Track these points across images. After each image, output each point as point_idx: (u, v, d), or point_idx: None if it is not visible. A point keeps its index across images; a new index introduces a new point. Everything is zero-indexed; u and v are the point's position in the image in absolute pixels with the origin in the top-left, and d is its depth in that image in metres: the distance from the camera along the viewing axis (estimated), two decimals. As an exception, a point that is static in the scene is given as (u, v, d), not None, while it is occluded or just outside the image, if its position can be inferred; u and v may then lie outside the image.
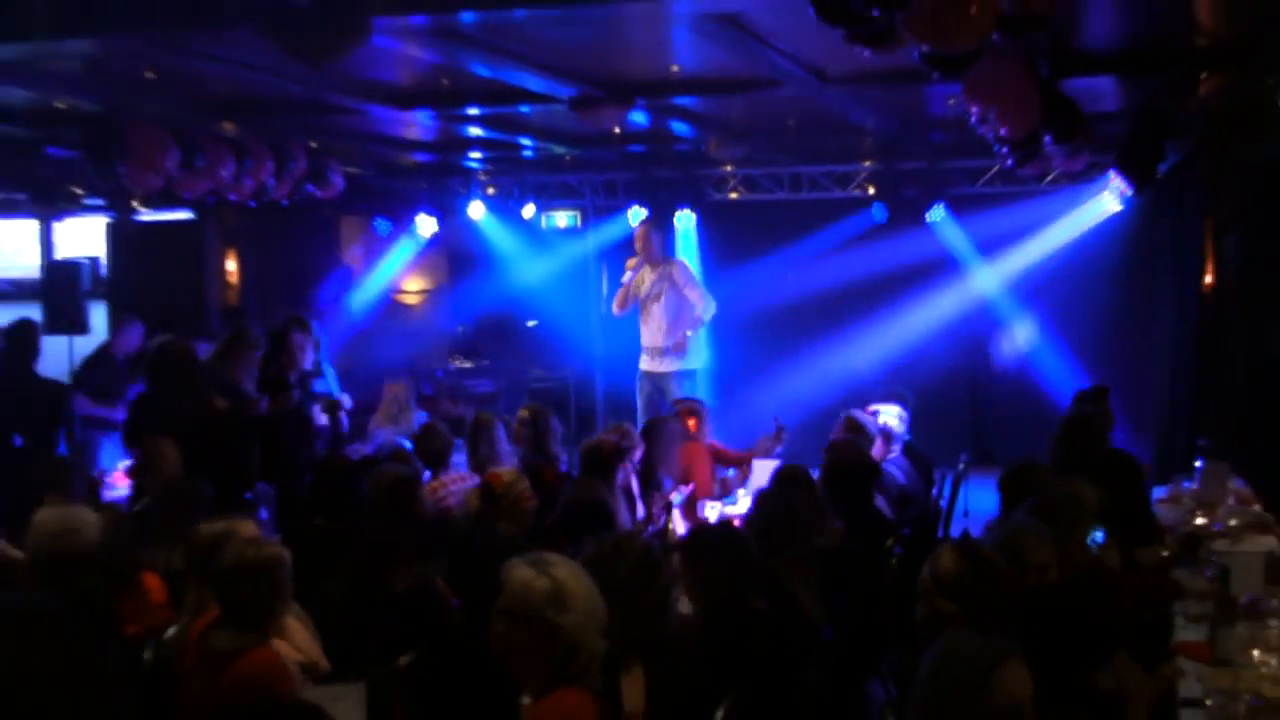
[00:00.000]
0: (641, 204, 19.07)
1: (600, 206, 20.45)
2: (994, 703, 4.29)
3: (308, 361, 13.17)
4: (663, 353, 16.47)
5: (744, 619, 6.80)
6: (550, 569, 5.37)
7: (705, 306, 16.28)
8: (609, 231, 20.14)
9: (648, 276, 16.62)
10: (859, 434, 11.71)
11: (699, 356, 16.76)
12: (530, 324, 20.78)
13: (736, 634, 6.69)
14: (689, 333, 16.14)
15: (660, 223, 17.89)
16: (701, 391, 16.40)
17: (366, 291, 21.43)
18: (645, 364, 16.67)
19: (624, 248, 18.57)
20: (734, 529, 7.76)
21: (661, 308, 16.50)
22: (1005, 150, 12.70)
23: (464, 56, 11.42)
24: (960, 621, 5.75)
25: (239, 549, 6.66)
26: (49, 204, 17.68)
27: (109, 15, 9.74)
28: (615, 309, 16.90)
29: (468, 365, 20.24)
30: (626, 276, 16.79)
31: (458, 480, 10.96)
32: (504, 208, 20.45)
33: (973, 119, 11.36)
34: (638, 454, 11.05)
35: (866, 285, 18.59)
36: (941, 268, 18.49)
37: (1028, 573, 6.45)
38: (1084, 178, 15.91)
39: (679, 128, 15.64)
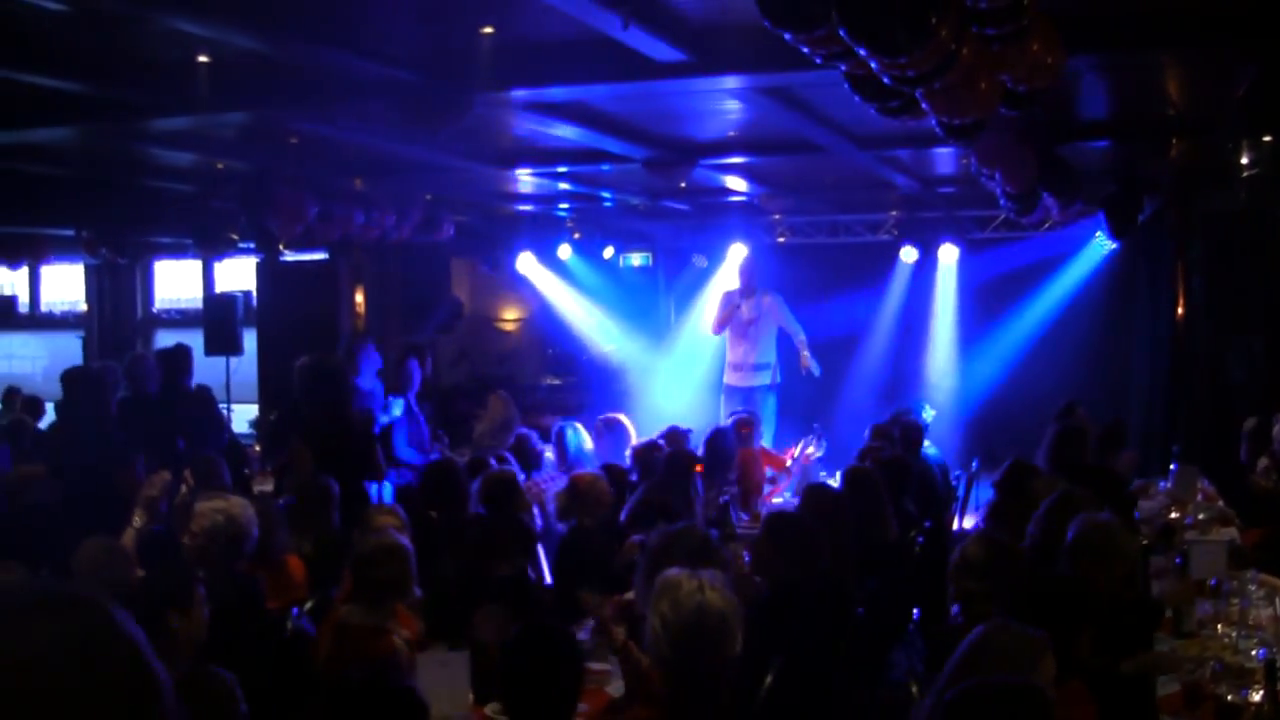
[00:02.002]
0: (703, 250, 19.17)
1: (669, 249, 20.51)
2: None
3: (417, 381, 13.25)
4: (753, 369, 16.52)
5: (802, 593, 6.79)
6: (706, 588, 5.23)
7: (800, 333, 16.35)
8: (676, 269, 20.22)
9: (743, 304, 16.68)
10: (886, 441, 11.71)
11: (778, 374, 16.80)
12: (610, 347, 20.77)
13: (793, 606, 6.68)
14: (803, 352, 16.16)
15: (719, 260, 18.01)
16: (774, 404, 16.54)
17: (473, 319, 21.48)
18: (733, 379, 16.73)
19: (690, 284, 18.67)
20: (805, 518, 7.72)
21: (755, 331, 16.54)
22: (1007, 203, 12.72)
23: (553, 124, 11.46)
24: (984, 598, 5.80)
25: (378, 537, 6.71)
26: (211, 247, 17.79)
27: (262, 93, 9.85)
28: (713, 329, 16.97)
29: (557, 382, 20.25)
30: (723, 303, 16.87)
31: (549, 480, 10.98)
32: (587, 249, 20.49)
33: (981, 177, 11.38)
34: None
35: (896, 315, 18.66)
36: (955, 300, 18.51)
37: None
38: (1078, 218, 15.85)
39: (735, 183, 15.65)
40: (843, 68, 6.45)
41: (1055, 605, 5.54)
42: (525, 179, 15.63)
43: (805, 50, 6.01)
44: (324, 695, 5.46)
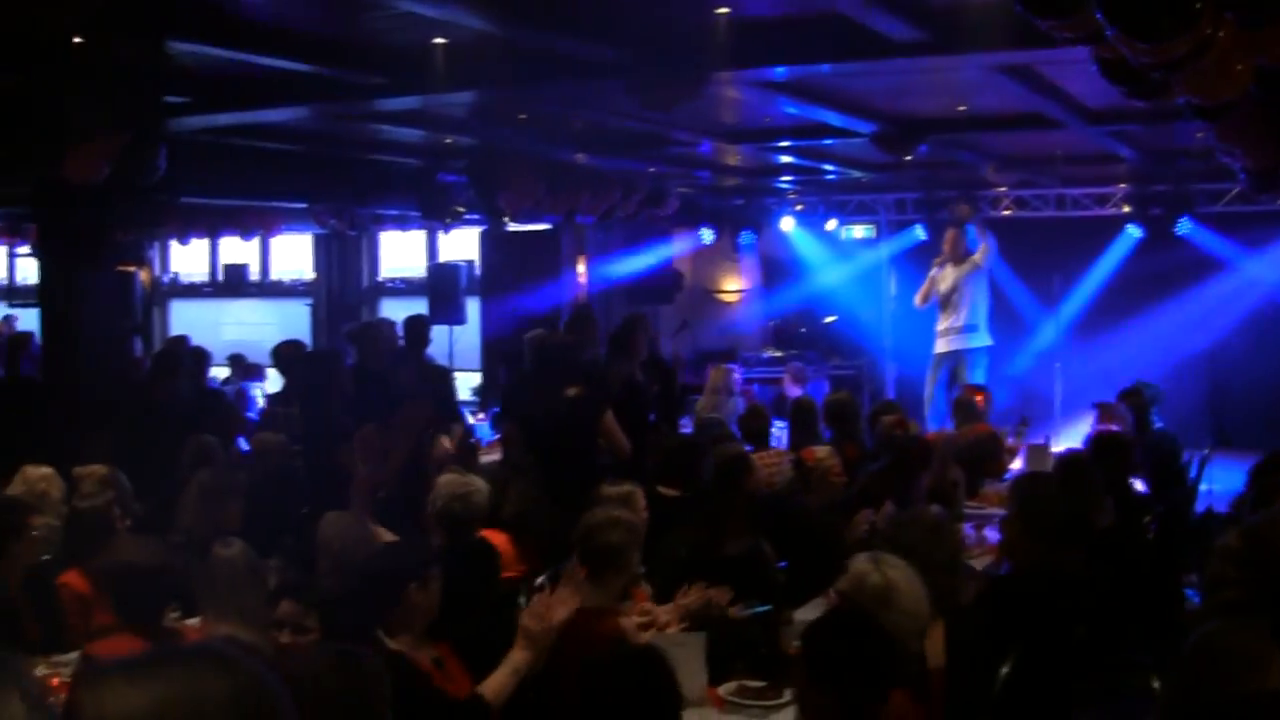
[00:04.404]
0: (925, 221, 18.97)
1: (892, 221, 20.33)
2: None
3: (643, 353, 13.24)
4: (960, 332, 16.43)
5: (1047, 577, 6.66)
6: (886, 568, 5.26)
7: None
8: (899, 242, 20.01)
9: (950, 273, 16.58)
10: (1114, 421, 11.44)
11: (988, 336, 16.64)
12: (829, 320, 20.65)
13: (1037, 590, 6.55)
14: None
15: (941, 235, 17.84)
16: (985, 368, 16.45)
17: (693, 292, 21.51)
18: (942, 346, 16.66)
19: (912, 255, 18.53)
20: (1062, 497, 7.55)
21: (962, 299, 16.54)
22: (1245, 178, 12.38)
23: (779, 100, 11.41)
24: (1240, 591, 5.63)
25: (609, 516, 6.71)
26: (437, 218, 18.06)
27: (495, 74, 9.93)
28: (918, 301, 16.98)
29: (778, 354, 20.17)
30: (933, 272, 16.81)
31: (778, 456, 10.88)
32: (810, 221, 20.42)
33: (1219, 152, 11.07)
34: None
35: (1120, 289, 18.25)
36: (1186, 273, 18.01)
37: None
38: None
39: (962, 156, 15.47)
40: (1089, 50, 6.32)
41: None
42: (749, 153, 15.60)
43: (1053, 33, 5.90)
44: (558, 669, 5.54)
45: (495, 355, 18.07)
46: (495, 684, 5.62)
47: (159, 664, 2.07)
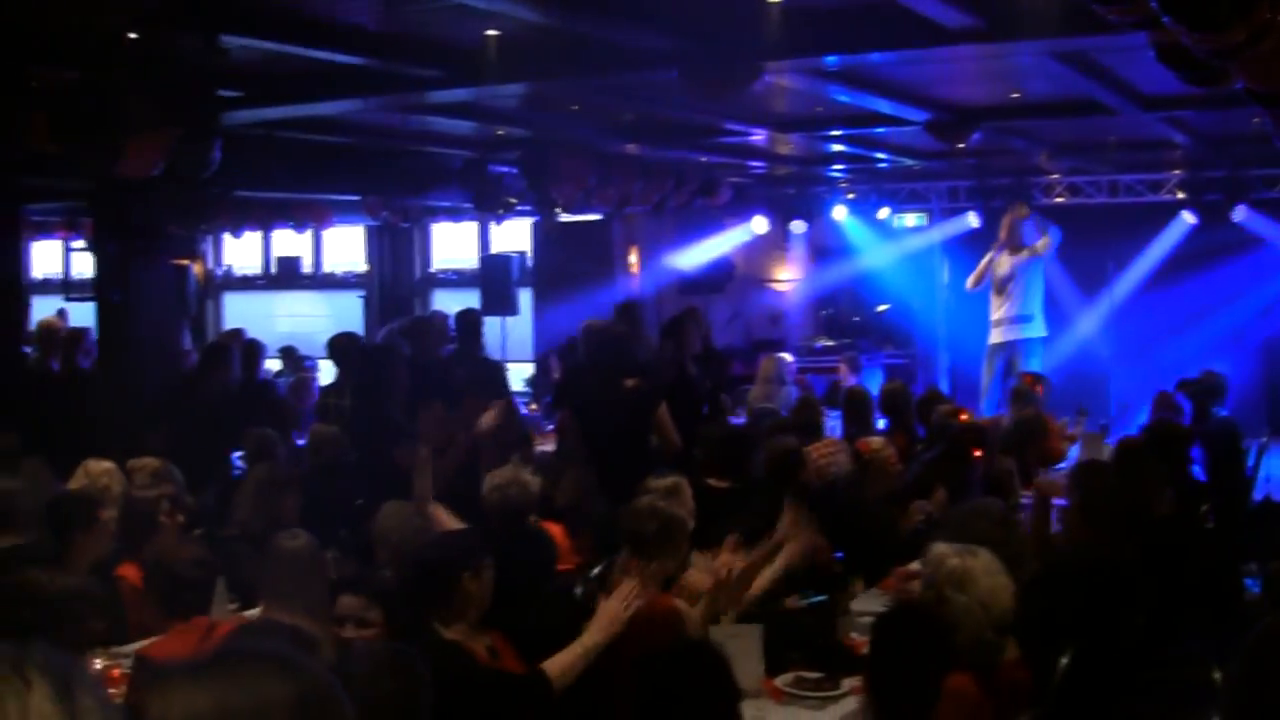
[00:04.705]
0: (979, 206, 18.87)
1: (944, 208, 20.17)
2: None
3: (696, 345, 13.20)
4: (1014, 322, 16.36)
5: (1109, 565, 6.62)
6: (967, 555, 5.24)
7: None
8: (951, 229, 19.86)
9: (1006, 261, 16.52)
10: (1172, 410, 11.38)
11: (1043, 326, 16.58)
12: (881, 309, 20.59)
13: (1093, 580, 6.50)
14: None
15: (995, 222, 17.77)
16: (1039, 359, 16.37)
17: (745, 281, 21.49)
18: (997, 337, 16.60)
19: (964, 244, 18.45)
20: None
21: (1017, 287, 16.48)
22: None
23: (831, 88, 11.39)
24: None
25: (649, 505, 6.73)
26: (489, 210, 18.10)
27: (548, 65, 9.95)
28: (970, 284, 16.88)
29: (830, 344, 20.12)
30: (992, 255, 16.73)
31: (833, 445, 10.84)
32: (862, 210, 20.37)
33: (1276, 139, 10.98)
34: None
35: (1174, 276, 18.09)
36: (1241, 260, 17.86)
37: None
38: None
39: (1014, 144, 15.39)
40: (1146, 35, 6.28)
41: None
42: (800, 141, 15.57)
43: (1110, 18, 5.86)
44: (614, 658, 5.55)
45: (546, 346, 18.09)
46: (562, 662, 5.70)
47: (223, 667, 2.09)
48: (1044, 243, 16.78)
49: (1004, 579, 5.26)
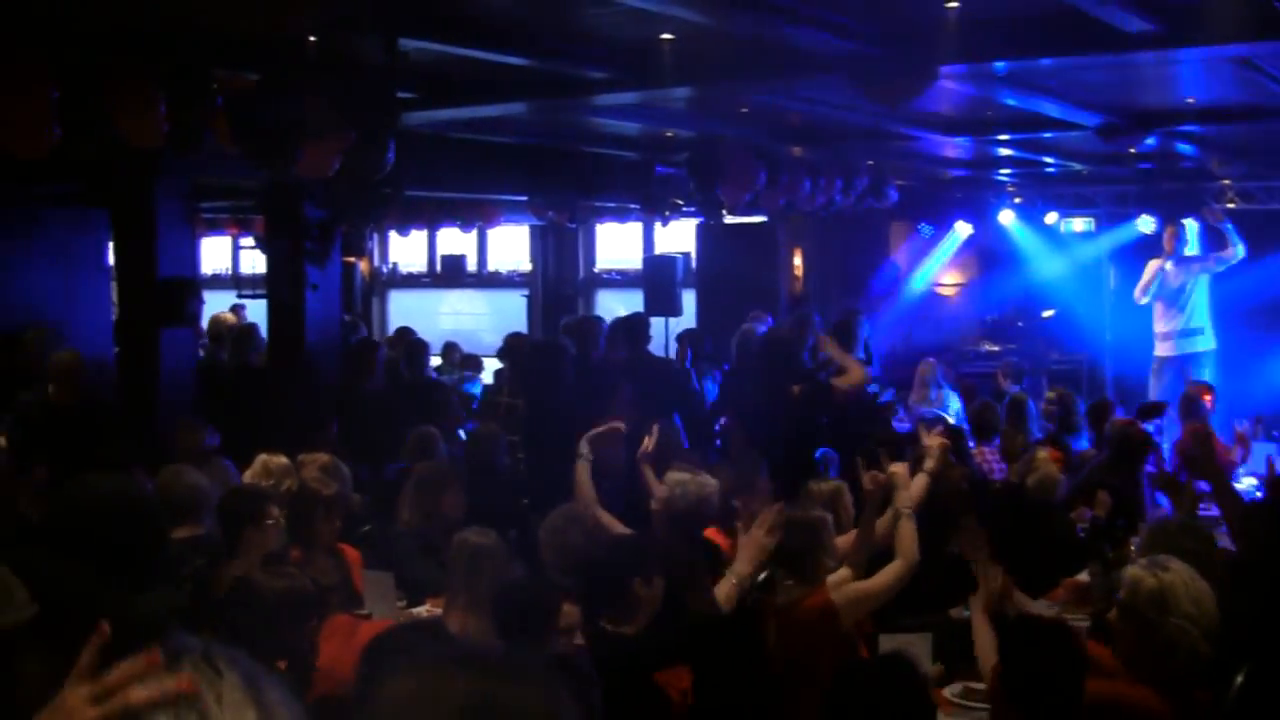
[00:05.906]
0: (1150, 212, 18.56)
1: (1113, 214, 19.82)
2: None
3: (860, 348, 13.13)
4: (1181, 335, 16.12)
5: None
6: (1161, 571, 5.11)
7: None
8: (1120, 235, 19.55)
9: (1178, 271, 16.24)
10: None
11: (1213, 339, 16.30)
12: (1047, 314, 20.38)
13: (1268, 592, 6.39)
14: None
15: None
16: (1210, 374, 16.00)
17: (911, 285, 21.40)
18: (1166, 350, 16.33)
19: (1133, 250, 18.20)
20: None
21: (1188, 299, 16.22)
22: None
23: (1001, 91, 11.30)
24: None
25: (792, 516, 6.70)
26: (655, 211, 18.18)
27: (719, 68, 9.98)
28: (1137, 295, 16.58)
29: (995, 349, 19.96)
30: (1165, 265, 16.47)
31: (995, 457, 10.80)
32: (1029, 214, 20.18)
33: None
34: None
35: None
36: None
37: None
38: None
39: (1185, 149, 15.15)
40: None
41: None
42: (967, 145, 15.47)
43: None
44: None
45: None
46: (722, 593, 6.09)
47: (456, 663, 2.12)
48: (1233, 253, 16.45)
49: (1202, 584, 5.13)
